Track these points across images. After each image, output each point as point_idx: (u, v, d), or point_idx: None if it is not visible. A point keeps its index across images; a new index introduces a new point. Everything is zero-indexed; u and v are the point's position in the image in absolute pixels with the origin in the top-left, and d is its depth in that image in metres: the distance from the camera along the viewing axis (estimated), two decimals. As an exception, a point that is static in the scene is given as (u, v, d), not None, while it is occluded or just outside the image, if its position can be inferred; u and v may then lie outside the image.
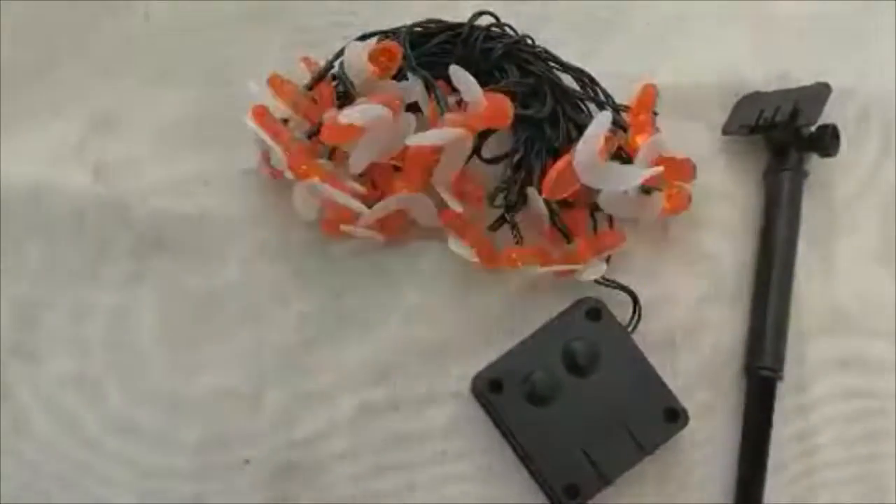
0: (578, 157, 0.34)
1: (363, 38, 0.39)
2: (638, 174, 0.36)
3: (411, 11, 0.41)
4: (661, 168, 0.36)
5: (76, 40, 0.45)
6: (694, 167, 0.38)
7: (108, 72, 0.44)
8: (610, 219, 0.38)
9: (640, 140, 0.37)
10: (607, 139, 0.35)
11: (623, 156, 0.38)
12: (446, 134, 0.35)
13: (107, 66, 0.44)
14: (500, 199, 0.37)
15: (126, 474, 0.36)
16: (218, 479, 0.36)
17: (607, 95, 0.41)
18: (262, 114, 0.37)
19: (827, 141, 0.38)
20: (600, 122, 0.35)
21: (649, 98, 0.39)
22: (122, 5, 0.46)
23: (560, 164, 0.35)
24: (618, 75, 0.41)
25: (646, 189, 0.37)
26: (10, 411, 0.37)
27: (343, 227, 0.37)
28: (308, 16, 0.45)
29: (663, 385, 0.36)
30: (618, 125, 0.38)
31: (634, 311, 0.37)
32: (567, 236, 0.37)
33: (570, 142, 0.37)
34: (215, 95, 0.42)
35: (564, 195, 0.36)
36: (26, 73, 0.43)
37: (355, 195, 0.36)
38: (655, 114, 0.39)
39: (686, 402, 0.35)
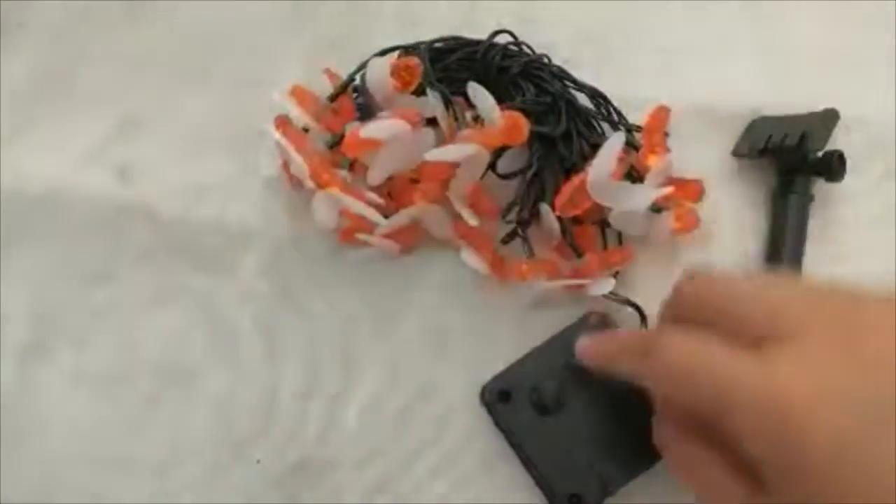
0: (592, 176, 0.35)
1: (385, 52, 0.40)
2: (648, 193, 0.37)
3: (432, 28, 0.42)
4: (671, 188, 0.37)
5: (102, 44, 0.46)
6: (703, 188, 0.39)
7: (134, 75, 0.45)
8: (619, 236, 0.39)
9: (652, 160, 0.38)
10: (620, 159, 0.36)
11: (634, 175, 0.39)
12: (463, 150, 0.36)
13: (132, 69, 0.45)
14: (513, 214, 0.38)
15: (138, 473, 0.37)
16: (229, 479, 0.37)
17: (620, 115, 0.41)
18: (284, 123, 0.38)
19: (833, 166, 0.39)
20: (614, 143, 0.35)
21: (662, 119, 0.40)
22: (147, 11, 0.47)
23: (573, 182, 0.36)
24: (630, 96, 0.41)
25: (656, 208, 0.38)
26: (25, 411, 0.38)
27: (360, 237, 0.38)
28: (333, 26, 0.46)
29: (665, 400, 0.37)
30: (630, 145, 0.39)
31: (641, 327, 0.38)
32: (577, 252, 0.38)
33: (584, 159, 0.38)
34: (239, 102, 0.43)
35: (576, 212, 0.37)
36: (52, 76, 0.44)
37: (373, 206, 0.37)
38: (667, 135, 0.40)
39: (689, 417, 0.36)
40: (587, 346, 0.34)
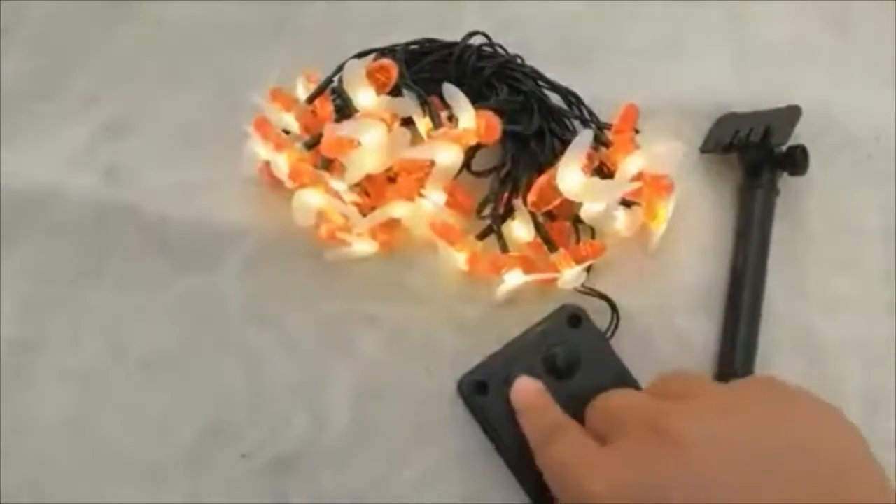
0: (560, 172, 0.36)
1: (361, 55, 0.41)
2: (618, 189, 0.38)
3: (408, 30, 0.43)
4: (640, 183, 0.38)
5: (89, 47, 0.46)
6: (672, 183, 0.39)
7: (120, 78, 0.46)
8: (591, 230, 0.40)
9: (621, 156, 0.39)
10: (589, 155, 0.37)
11: (605, 171, 0.40)
12: (438, 148, 0.37)
13: (119, 72, 0.46)
14: (487, 210, 0.39)
15: (124, 469, 0.37)
16: (215, 474, 0.37)
17: (591, 114, 0.42)
18: (264, 125, 0.39)
19: (797, 160, 0.40)
20: (583, 139, 0.36)
21: (631, 116, 0.41)
22: (135, 13, 0.47)
23: (543, 178, 0.37)
24: (602, 95, 0.43)
25: (626, 203, 0.39)
26: (12, 407, 0.38)
27: (338, 235, 0.39)
28: (312, 29, 0.46)
29: (639, 389, 0.37)
30: (600, 142, 0.40)
31: (612, 319, 0.39)
32: (551, 246, 0.39)
33: (556, 157, 0.39)
34: (222, 104, 0.44)
35: (548, 208, 0.38)
36: (41, 78, 0.45)
37: (351, 205, 0.38)
38: (637, 132, 0.41)
39: (660, 406, 0.37)
40: (524, 389, 0.36)
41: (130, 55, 0.46)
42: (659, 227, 0.40)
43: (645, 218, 0.39)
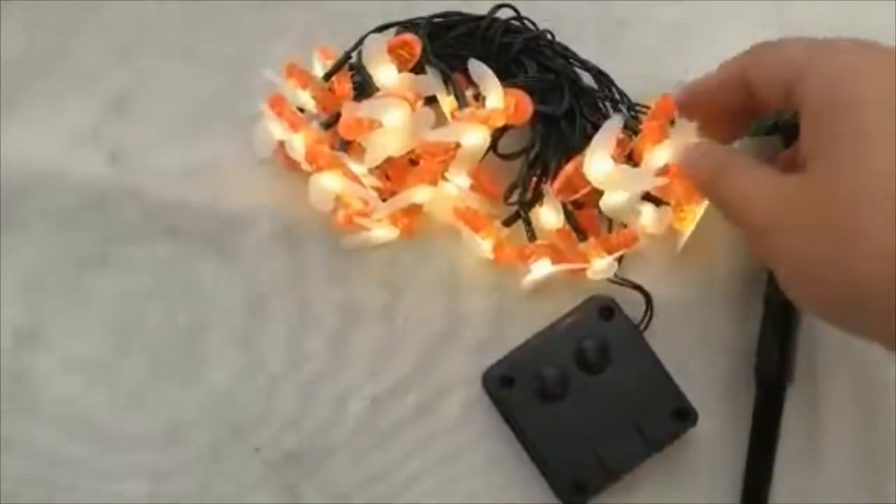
0: (589, 159, 0.34)
1: (382, 28, 0.39)
2: (644, 179, 0.35)
3: (431, 2, 0.41)
4: (666, 179, 0.35)
5: (92, 24, 0.44)
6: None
7: (125, 56, 0.44)
8: (622, 219, 0.38)
9: (648, 146, 0.36)
10: (620, 141, 0.35)
11: (636, 160, 0.37)
12: (464, 130, 0.35)
13: (123, 50, 0.44)
14: (514, 196, 0.37)
15: (135, 462, 0.37)
16: (228, 467, 0.37)
17: (623, 95, 0.40)
18: (278, 103, 0.37)
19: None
20: (612, 124, 0.34)
21: (666, 108, 0.38)
22: (137, -12, 0.45)
23: (570, 166, 0.35)
24: (634, 74, 0.40)
25: (654, 200, 0.36)
26: (16, 398, 0.38)
27: (357, 220, 0.37)
28: (327, 3, 0.44)
29: (673, 384, 0.36)
30: (631, 128, 0.37)
31: (646, 311, 0.37)
32: (581, 235, 0.37)
33: (587, 140, 0.37)
34: (232, 82, 0.42)
35: (575, 196, 0.36)
36: (42, 57, 0.43)
37: (370, 189, 0.36)
38: (672, 122, 0.39)
39: (695, 402, 0.36)
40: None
41: (133, 33, 0.44)
42: (685, 231, 0.37)
43: (674, 221, 0.37)
